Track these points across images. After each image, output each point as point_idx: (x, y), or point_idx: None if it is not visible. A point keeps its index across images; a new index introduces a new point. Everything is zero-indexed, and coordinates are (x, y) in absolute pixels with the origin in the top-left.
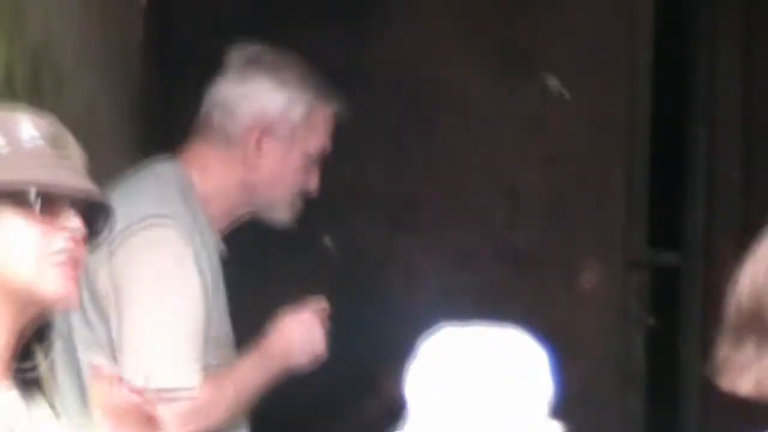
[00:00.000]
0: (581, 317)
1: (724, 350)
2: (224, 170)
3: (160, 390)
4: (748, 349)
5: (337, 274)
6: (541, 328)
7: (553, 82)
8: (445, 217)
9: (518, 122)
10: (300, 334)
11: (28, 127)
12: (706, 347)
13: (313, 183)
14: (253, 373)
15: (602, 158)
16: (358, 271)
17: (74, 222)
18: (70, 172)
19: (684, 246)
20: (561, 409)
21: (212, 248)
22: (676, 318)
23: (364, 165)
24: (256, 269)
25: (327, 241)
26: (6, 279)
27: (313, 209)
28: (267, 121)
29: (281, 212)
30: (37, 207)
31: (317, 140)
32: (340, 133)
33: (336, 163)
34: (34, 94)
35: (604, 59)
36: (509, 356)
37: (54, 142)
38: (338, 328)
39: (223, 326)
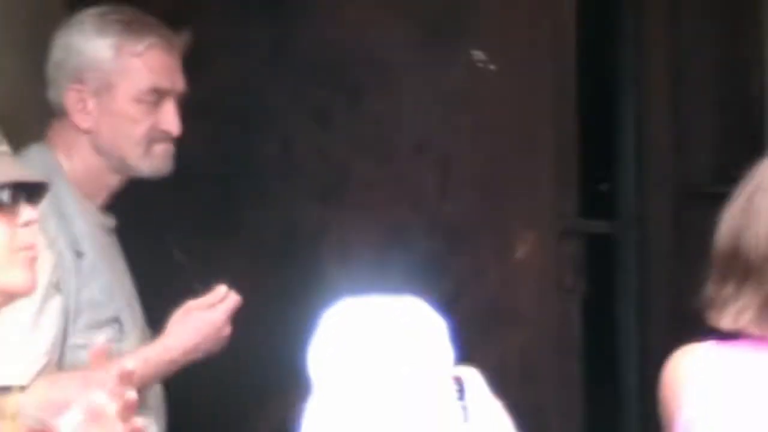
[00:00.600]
0: (516, 288)
1: (709, 289)
2: (76, 142)
3: None
4: (729, 287)
5: (269, 250)
6: (476, 300)
7: (478, 54)
8: (376, 191)
9: (446, 94)
10: (201, 332)
11: None
12: (642, 314)
13: (169, 124)
14: (144, 366)
15: (531, 127)
16: (290, 248)
17: (31, 213)
18: (14, 163)
19: (616, 213)
20: (500, 379)
21: (92, 226)
22: (611, 286)
23: (293, 142)
24: (187, 250)
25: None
26: None
27: (244, 186)
28: (77, 77)
29: (148, 165)
30: (6, 207)
31: (140, 80)
32: (268, 110)
33: (264, 141)
34: None
35: (529, 27)
36: (406, 324)
37: None
38: (271, 305)
39: (115, 306)
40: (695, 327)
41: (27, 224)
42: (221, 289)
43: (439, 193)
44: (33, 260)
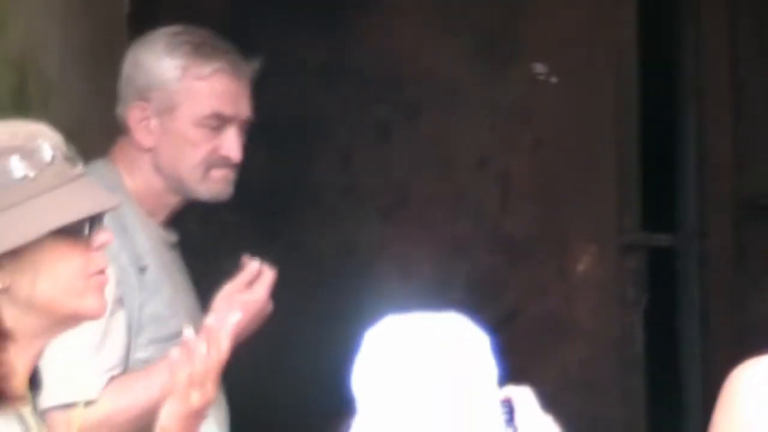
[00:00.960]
0: (577, 302)
1: None
2: (138, 159)
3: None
4: None
5: (329, 267)
6: (538, 314)
7: (539, 68)
8: (437, 207)
9: (506, 109)
10: (248, 313)
11: (46, 146)
12: (703, 327)
13: (230, 150)
14: None
15: (592, 142)
16: (349, 264)
17: (104, 237)
18: (93, 188)
19: (677, 226)
20: (561, 394)
21: (154, 241)
22: (674, 298)
23: (353, 159)
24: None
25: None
26: (57, 309)
27: (303, 202)
28: (142, 95)
29: (205, 189)
30: (85, 235)
31: (203, 104)
32: (327, 126)
33: (324, 157)
34: (21, 104)
35: (589, 42)
36: (450, 340)
37: (68, 157)
38: (330, 322)
39: (178, 321)
40: (758, 340)
41: (100, 248)
42: (253, 265)
43: (500, 207)
44: (105, 284)
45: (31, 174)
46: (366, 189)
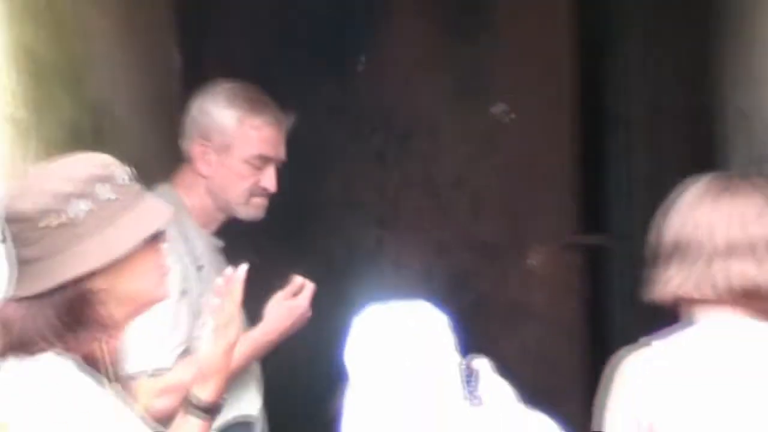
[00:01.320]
0: (533, 291)
1: (654, 272)
2: (195, 184)
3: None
4: (671, 270)
5: (336, 266)
6: (501, 301)
7: (501, 107)
8: (423, 218)
9: (477, 139)
10: (290, 317)
11: (119, 171)
12: (635, 312)
13: (269, 184)
14: (251, 345)
15: (543, 165)
16: (353, 263)
17: (166, 237)
18: (157, 203)
19: (608, 231)
20: (520, 367)
21: (207, 247)
22: (608, 289)
23: (353, 179)
24: (262, 272)
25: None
26: (140, 299)
27: (313, 217)
28: (205, 135)
29: (245, 211)
30: (162, 243)
31: (253, 147)
32: (334, 154)
33: (332, 179)
34: (98, 141)
35: (541, 86)
36: (418, 322)
37: (132, 178)
38: (338, 310)
39: None
40: (668, 317)
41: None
42: (298, 280)
43: (472, 218)
44: (168, 274)
45: (113, 196)
46: (365, 202)
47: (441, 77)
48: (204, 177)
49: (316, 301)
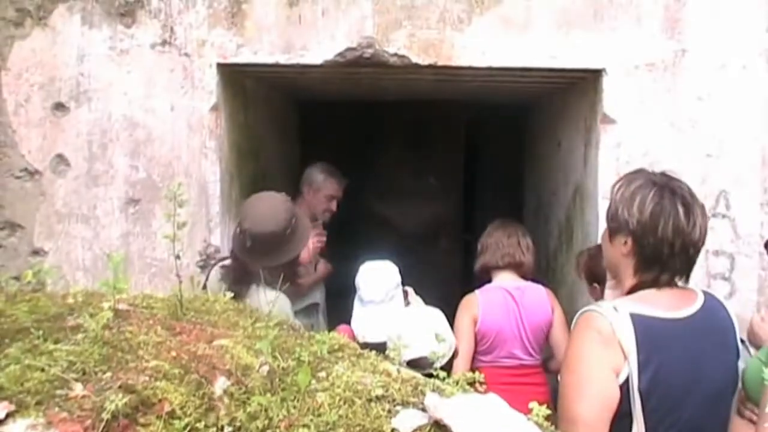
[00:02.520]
0: (442, 274)
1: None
2: (300, 205)
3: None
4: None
5: (366, 244)
6: (427, 264)
7: (432, 179)
8: (391, 223)
9: (423, 195)
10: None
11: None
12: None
13: (334, 209)
14: None
15: (449, 203)
16: (361, 233)
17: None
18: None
19: (473, 233)
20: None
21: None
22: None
23: (368, 215)
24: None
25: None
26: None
27: (355, 223)
28: (309, 185)
29: (322, 218)
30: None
31: (329, 191)
32: (360, 199)
33: (356, 213)
34: (258, 174)
35: (443, 162)
36: (385, 266)
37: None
38: (355, 254)
39: (313, 295)
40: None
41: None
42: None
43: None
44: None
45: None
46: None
47: (416, 170)
48: (305, 201)
49: (355, 260)
